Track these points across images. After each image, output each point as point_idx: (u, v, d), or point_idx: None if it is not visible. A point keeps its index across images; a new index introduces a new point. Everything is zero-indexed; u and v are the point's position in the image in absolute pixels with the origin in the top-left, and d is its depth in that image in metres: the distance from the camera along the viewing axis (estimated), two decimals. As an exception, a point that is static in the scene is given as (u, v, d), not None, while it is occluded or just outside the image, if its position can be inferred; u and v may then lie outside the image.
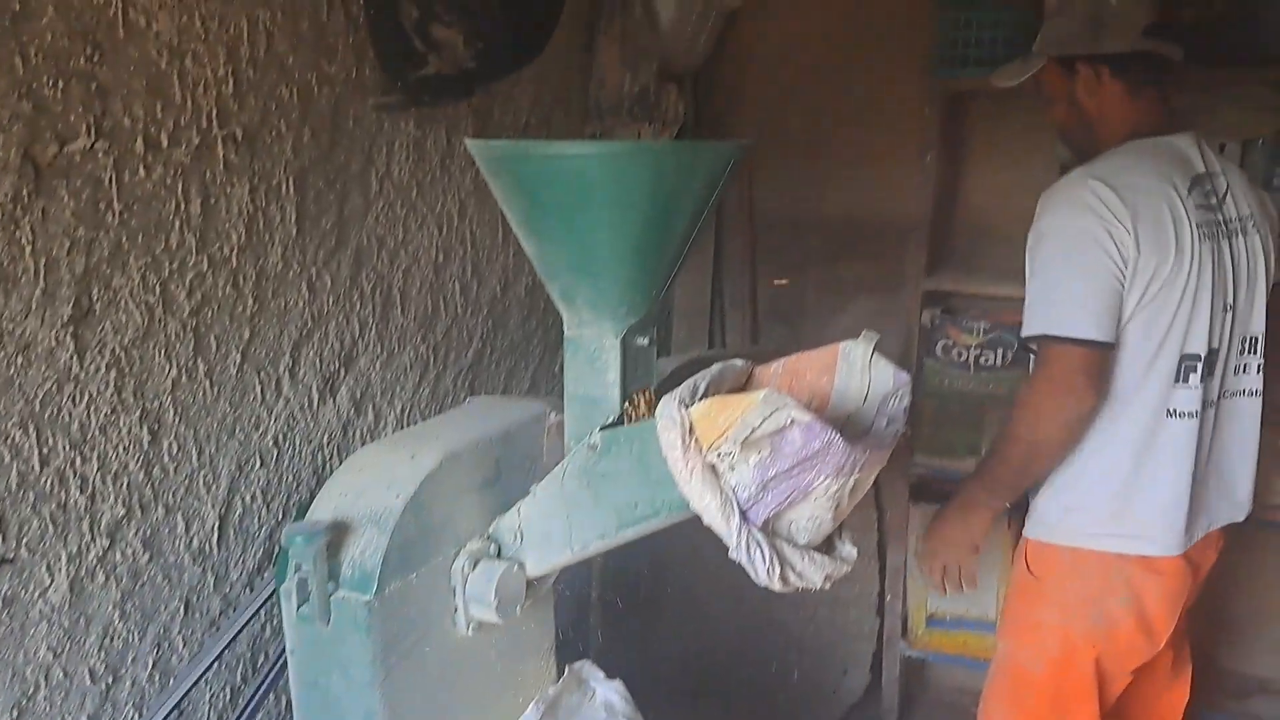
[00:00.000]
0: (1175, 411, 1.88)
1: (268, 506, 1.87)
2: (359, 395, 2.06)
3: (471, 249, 2.35)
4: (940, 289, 2.92)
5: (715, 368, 1.58)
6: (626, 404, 1.59)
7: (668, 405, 1.42)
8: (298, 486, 1.93)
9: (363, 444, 2.03)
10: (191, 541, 1.74)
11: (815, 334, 3.24)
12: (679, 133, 2.91)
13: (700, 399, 1.45)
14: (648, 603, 2.98)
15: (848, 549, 1.56)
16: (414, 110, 2.05)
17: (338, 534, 1.49)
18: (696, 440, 1.40)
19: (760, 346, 3.29)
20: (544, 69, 2.53)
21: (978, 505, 2.04)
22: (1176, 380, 1.87)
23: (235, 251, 1.75)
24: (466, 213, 2.29)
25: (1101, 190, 1.81)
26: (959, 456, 2.89)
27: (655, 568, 2.93)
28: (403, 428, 2.15)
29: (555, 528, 1.59)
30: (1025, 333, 1.89)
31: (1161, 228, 1.81)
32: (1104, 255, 1.80)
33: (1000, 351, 2.81)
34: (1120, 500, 1.91)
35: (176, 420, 1.68)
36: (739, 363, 1.66)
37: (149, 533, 1.66)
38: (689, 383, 1.48)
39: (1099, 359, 1.83)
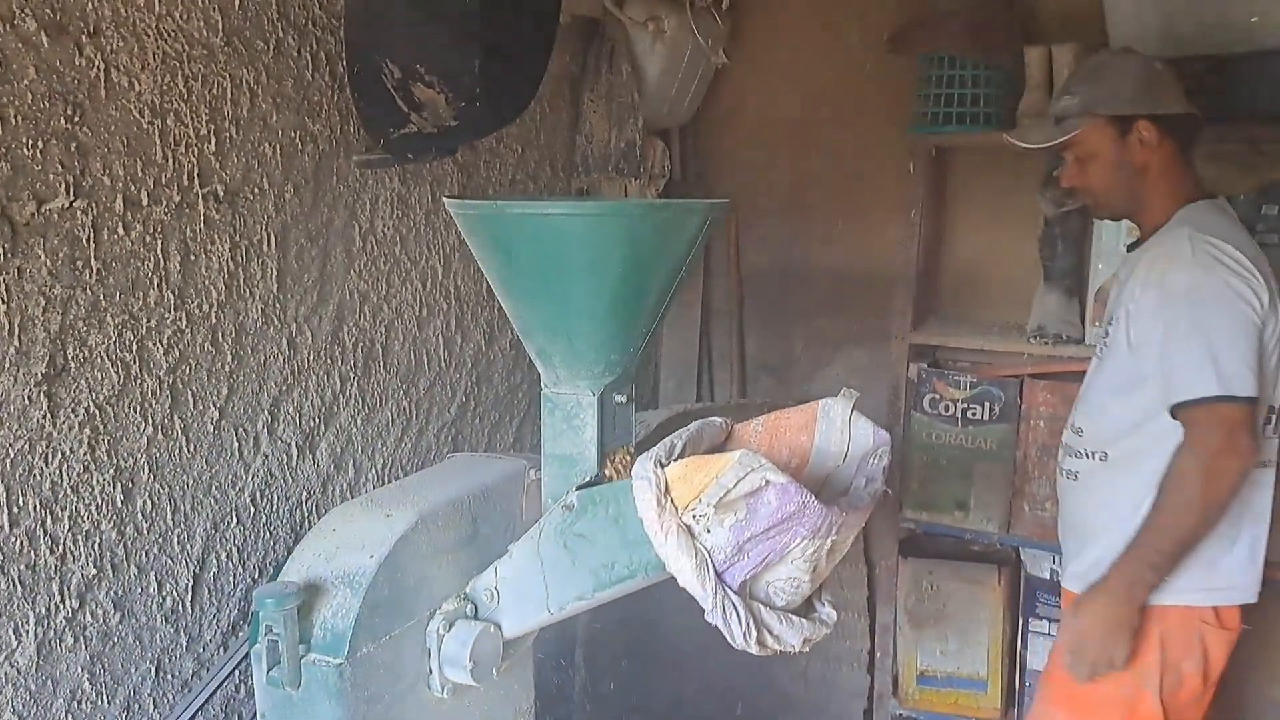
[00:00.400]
0: (1266, 461, 1.93)
1: (243, 565, 1.85)
2: (339, 451, 2.04)
3: (456, 303, 2.35)
4: (927, 343, 2.92)
5: (694, 425, 1.57)
6: (605, 462, 1.58)
7: (643, 465, 1.41)
8: (275, 544, 1.91)
9: (343, 500, 2.01)
10: (164, 601, 1.72)
11: (803, 387, 3.24)
12: (665, 187, 2.93)
13: (677, 458, 1.45)
14: (634, 660, 2.95)
15: (827, 611, 1.55)
16: (398, 167, 2.06)
17: (309, 596, 1.47)
18: (672, 501, 1.39)
19: (748, 400, 3.28)
20: (530, 126, 2.56)
21: (1143, 586, 1.88)
22: (1264, 431, 1.90)
23: (215, 308, 1.74)
24: (451, 267, 2.30)
25: (1226, 247, 1.83)
26: (947, 511, 2.87)
27: (642, 623, 2.89)
28: (384, 484, 2.13)
29: (532, 588, 1.57)
30: (1187, 396, 1.82)
31: (1270, 282, 1.85)
32: (1249, 310, 1.81)
33: (987, 405, 2.81)
34: (1217, 550, 1.90)
35: (151, 478, 1.67)
36: (718, 420, 1.65)
37: (120, 593, 1.64)
38: (666, 441, 1.47)
39: (1253, 415, 1.82)
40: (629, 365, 1.58)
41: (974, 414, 2.82)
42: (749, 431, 1.68)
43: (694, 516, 1.37)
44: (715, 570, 1.37)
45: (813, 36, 3.10)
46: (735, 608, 1.36)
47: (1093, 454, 2.02)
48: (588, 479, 1.56)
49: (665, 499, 1.39)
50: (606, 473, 1.57)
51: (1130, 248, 2.08)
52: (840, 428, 1.64)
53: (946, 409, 2.86)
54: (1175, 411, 1.84)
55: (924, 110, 2.74)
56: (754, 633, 1.38)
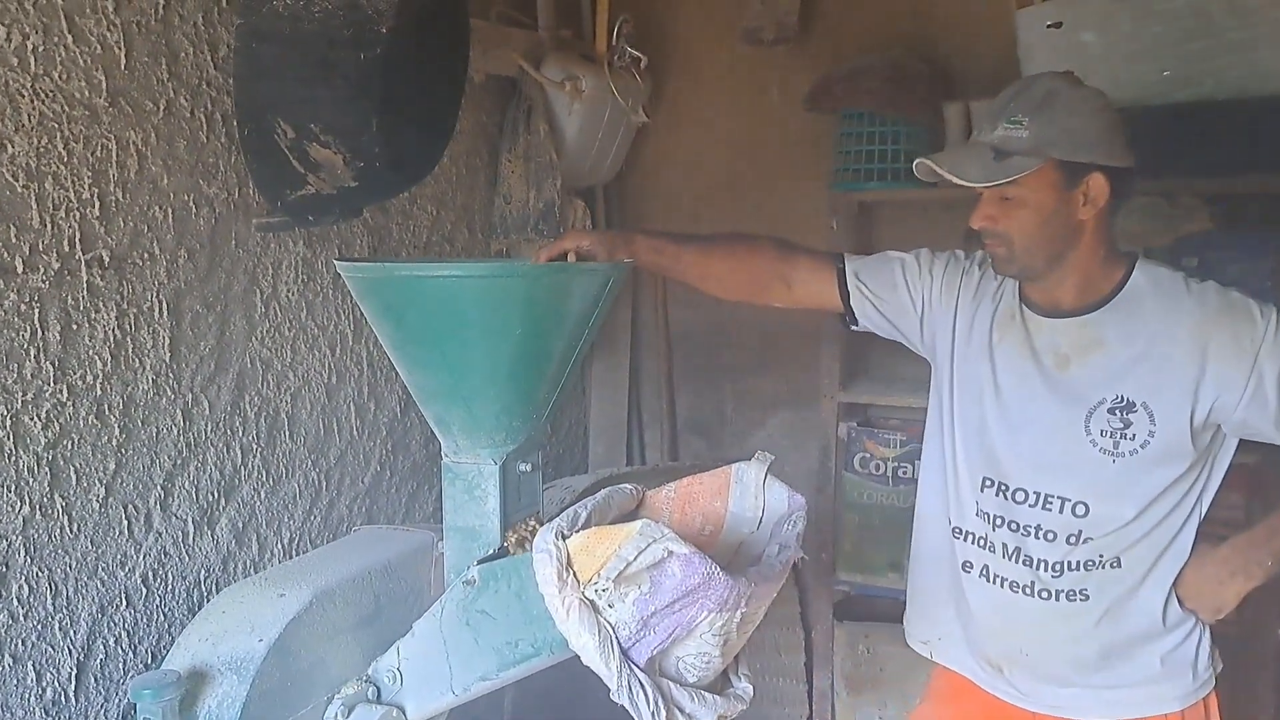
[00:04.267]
0: None
1: (134, 650, 1.75)
2: (241, 526, 1.95)
3: (368, 369, 2.27)
4: (857, 401, 2.89)
5: (601, 494, 1.52)
6: (509, 534, 1.51)
7: (544, 537, 1.35)
8: (170, 627, 1.80)
9: (246, 577, 1.92)
10: (44, 693, 1.61)
11: (735, 448, 3.19)
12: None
13: (581, 528, 1.39)
14: (565, 734, 2.85)
15: (743, 686, 1.49)
16: (301, 230, 2.00)
17: (194, 684, 1.39)
18: (575, 574, 1.33)
19: (679, 462, 3.23)
20: (445, 186, 2.50)
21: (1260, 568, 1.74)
22: None
23: (100, 379, 1.66)
24: (362, 332, 2.22)
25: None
26: (881, 573, 2.82)
27: (570, 695, 2.80)
28: (292, 558, 2.04)
29: (436, 668, 1.50)
30: None
31: None
32: None
33: (918, 464, 2.76)
34: None
35: (27, 561, 1.57)
36: (628, 488, 1.60)
37: (-6, 685, 1.53)
38: (569, 512, 1.41)
39: None
40: (533, 432, 1.52)
41: (905, 473, 2.79)
42: (661, 498, 1.63)
43: (596, 591, 1.31)
44: (620, 647, 1.31)
45: (734, 94, 3.10)
46: (642, 686, 1.30)
47: (1104, 563, 1.75)
48: (490, 552, 1.49)
49: (567, 573, 1.33)
50: (509, 545, 1.50)
51: (1039, 311, 1.79)
52: (755, 492, 1.60)
53: (877, 468, 2.82)
54: None
55: (845, 166, 2.73)
56: (663, 712, 1.32)
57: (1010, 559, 1.78)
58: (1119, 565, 1.73)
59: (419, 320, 1.37)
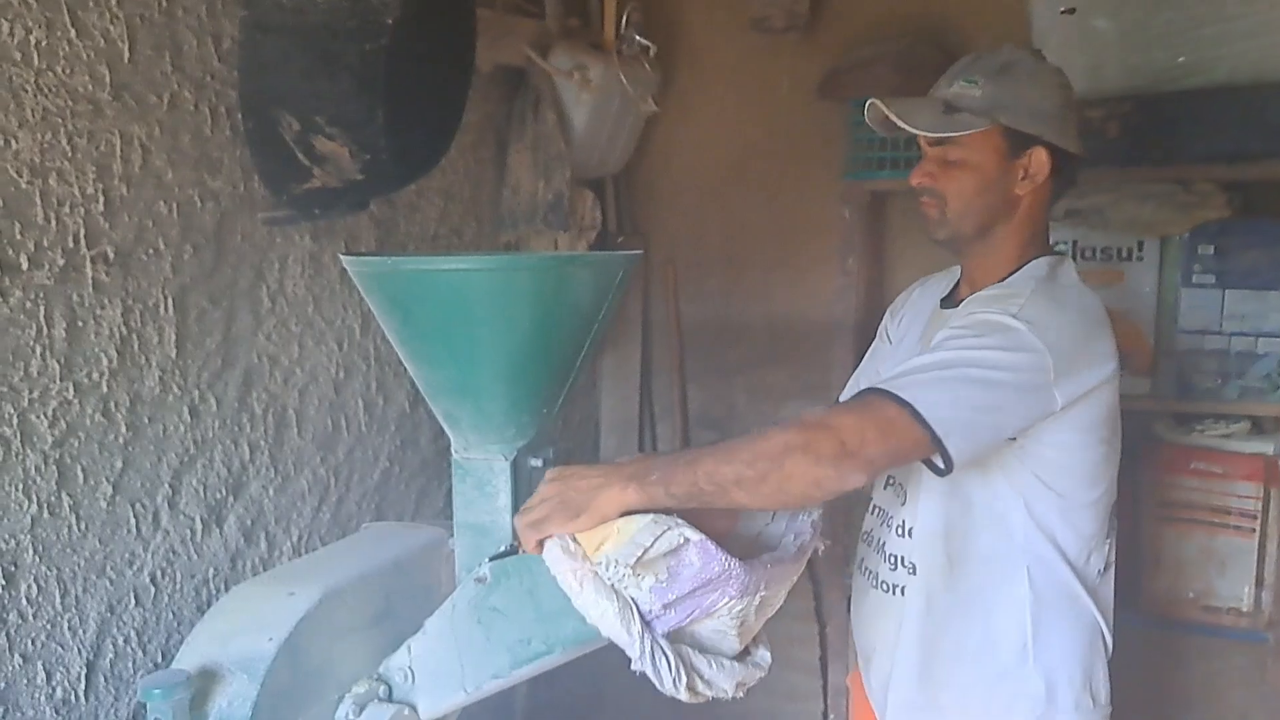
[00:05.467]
0: None
1: (144, 649, 1.74)
2: (249, 524, 1.93)
3: (376, 364, 2.25)
4: (869, 393, 2.86)
5: None
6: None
7: None
8: (179, 626, 1.79)
9: (255, 576, 1.91)
10: (54, 692, 1.60)
11: (747, 440, 3.17)
12: (597, 239, 2.87)
13: None
14: (578, 729, 2.84)
15: (761, 654, 1.47)
16: (307, 223, 1.98)
17: (204, 683, 1.37)
18: (581, 548, 1.32)
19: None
20: (453, 178, 2.48)
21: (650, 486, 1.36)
22: None
23: (106, 377, 1.64)
24: (370, 327, 2.21)
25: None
26: (895, 564, 2.79)
27: (588, 695, 2.79)
28: (301, 556, 2.02)
29: (447, 667, 1.48)
30: None
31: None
32: None
33: (931, 455, 2.74)
34: None
35: (36, 560, 1.56)
36: None
37: (2, 685, 1.52)
38: None
39: None
40: (544, 427, 1.50)
41: (918, 464, 2.75)
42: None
43: (610, 573, 1.30)
44: (641, 615, 1.29)
45: (744, 84, 3.06)
46: (664, 651, 1.29)
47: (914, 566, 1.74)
48: (501, 549, 1.47)
49: (575, 546, 1.32)
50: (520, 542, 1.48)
51: (946, 304, 1.81)
52: (769, 484, 1.57)
53: (891, 459, 2.79)
54: None
55: (857, 156, 2.70)
56: (683, 678, 1.31)
57: (878, 552, 1.78)
58: (914, 573, 1.71)
59: (427, 315, 1.35)
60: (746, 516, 1.60)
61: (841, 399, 1.98)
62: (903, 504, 1.73)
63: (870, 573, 1.80)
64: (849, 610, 1.98)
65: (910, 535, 1.72)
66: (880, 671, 1.79)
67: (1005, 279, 1.69)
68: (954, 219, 1.69)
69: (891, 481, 1.77)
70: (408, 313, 1.36)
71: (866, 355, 2.05)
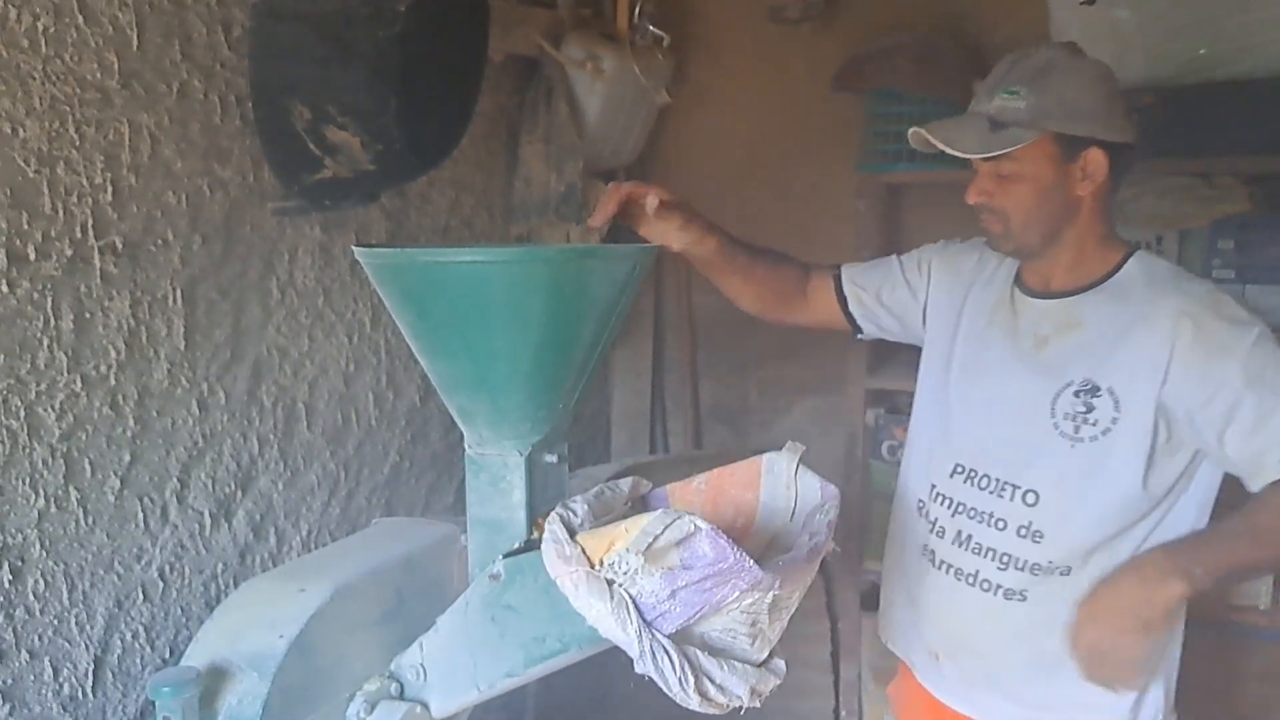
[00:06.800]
0: None
1: (152, 645, 1.72)
2: (259, 519, 1.91)
3: (386, 358, 2.23)
4: (884, 388, 2.83)
5: (593, 490, 1.48)
6: (534, 527, 1.47)
7: (548, 527, 1.34)
8: (188, 621, 1.77)
9: (264, 571, 1.89)
10: (61, 688, 1.58)
11: (759, 436, 3.14)
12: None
13: (579, 512, 1.38)
14: (588, 726, 2.82)
15: (775, 661, 1.43)
16: (317, 214, 1.95)
17: (213, 681, 1.35)
18: (581, 550, 1.30)
19: (703, 450, 3.18)
20: (464, 169, 2.46)
21: (1183, 582, 1.49)
22: None
23: (114, 369, 1.62)
24: (380, 320, 2.18)
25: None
26: (909, 562, 2.77)
27: (598, 696, 2.77)
28: (311, 551, 2.00)
29: (460, 664, 1.45)
30: None
31: None
32: None
33: (947, 451, 2.71)
34: None
35: (43, 555, 1.54)
36: (624, 485, 1.55)
37: (9, 681, 1.50)
38: (573, 499, 1.40)
39: None
40: (559, 422, 1.47)
41: (933, 460, 2.73)
42: (691, 490, 1.59)
43: (615, 569, 1.27)
44: (639, 613, 1.26)
45: (759, 75, 3.04)
46: (668, 652, 1.26)
47: (1053, 569, 1.66)
48: (515, 546, 1.45)
49: (571, 549, 1.30)
50: (536, 539, 1.45)
51: (1029, 293, 1.75)
52: (786, 483, 1.55)
53: (905, 455, 2.76)
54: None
55: (873, 148, 2.67)
56: (691, 680, 1.27)
57: (961, 546, 1.73)
58: (1067, 574, 1.65)
59: (441, 308, 1.32)
60: (764, 516, 1.58)
61: (810, 284, 2.00)
62: (1032, 505, 1.67)
63: (956, 569, 1.74)
64: (880, 607, 1.96)
65: (1039, 539, 1.66)
66: (967, 670, 1.75)
67: (1110, 276, 1.67)
68: (1018, 232, 1.66)
69: (992, 482, 1.71)
70: (422, 306, 1.33)
71: (864, 266, 1.98)
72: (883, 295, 1.92)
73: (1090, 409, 1.62)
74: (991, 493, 1.71)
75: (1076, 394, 1.64)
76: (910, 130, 1.68)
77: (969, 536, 1.72)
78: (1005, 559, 1.68)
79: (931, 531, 1.78)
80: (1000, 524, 1.69)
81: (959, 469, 1.75)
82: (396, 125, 1.64)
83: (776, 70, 3.01)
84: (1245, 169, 2.38)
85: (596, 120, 2.61)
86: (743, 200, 3.07)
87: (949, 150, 1.61)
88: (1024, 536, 1.67)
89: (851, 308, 1.96)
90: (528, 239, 2.60)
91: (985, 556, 1.70)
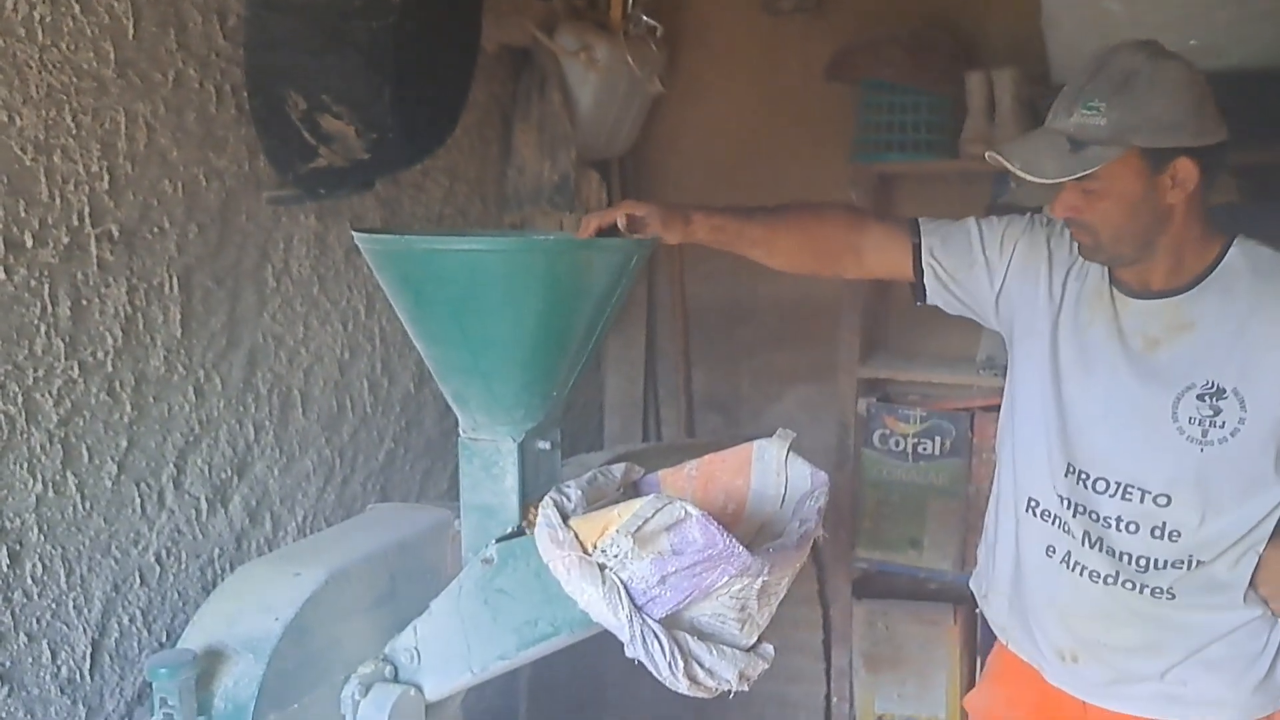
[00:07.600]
0: None
1: (149, 629, 1.73)
2: (254, 504, 1.93)
3: (381, 345, 2.24)
4: (876, 376, 2.85)
5: (586, 475, 1.50)
6: (526, 513, 1.49)
7: (542, 511, 1.36)
8: (185, 605, 1.79)
9: (260, 555, 1.90)
10: (59, 671, 1.60)
11: (751, 424, 3.16)
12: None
13: (574, 497, 1.40)
14: (583, 715, 2.84)
15: (764, 646, 1.46)
16: (312, 203, 1.96)
17: (210, 663, 1.37)
18: (574, 535, 1.32)
19: (695, 439, 3.20)
20: (458, 158, 2.47)
21: None
22: None
23: (111, 356, 1.63)
24: (375, 307, 2.20)
25: None
26: (901, 550, 2.79)
27: (592, 676, 2.79)
28: (306, 536, 2.02)
29: (453, 648, 1.48)
30: None
31: None
32: None
33: (938, 440, 2.74)
34: None
35: (41, 539, 1.55)
36: (617, 471, 1.57)
37: (8, 664, 1.52)
38: (567, 484, 1.42)
39: None
40: (552, 410, 1.50)
41: (925, 449, 2.75)
42: (682, 476, 1.61)
43: (606, 552, 1.30)
44: (630, 598, 1.29)
45: (752, 65, 3.04)
46: (657, 637, 1.28)
47: (1194, 563, 1.64)
48: (508, 531, 1.47)
49: (564, 534, 1.32)
50: (528, 524, 1.47)
51: (1129, 293, 1.69)
52: (776, 470, 1.57)
53: (897, 444, 2.79)
54: None
55: (865, 138, 2.69)
56: (680, 664, 1.30)
57: (1092, 548, 1.69)
58: (1210, 568, 1.63)
59: (439, 294, 1.34)
60: (754, 502, 1.60)
61: (867, 238, 1.85)
62: (1164, 507, 1.63)
63: (1092, 571, 1.70)
64: (982, 605, 1.92)
65: (1176, 538, 1.63)
66: (1108, 667, 1.72)
67: (1212, 270, 1.63)
68: (1109, 245, 1.61)
69: (1110, 485, 1.67)
70: (420, 292, 1.35)
71: (941, 235, 1.82)
72: (958, 275, 1.82)
73: (1217, 411, 1.59)
74: (1114, 496, 1.67)
75: (1200, 398, 1.59)
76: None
77: (1099, 540, 1.68)
78: (1143, 562, 1.66)
79: (1058, 529, 1.73)
80: (1132, 527, 1.65)
81: (1070, 469, 1.71)
82: (391, 114, 1.66)
83: (769, 60, 3.02)
84: (1234, 160, 2.38)
85: (590, 110, 2.62)
86: (735, 189, 3.07)
87: (1027, 177, 1.54)
88: (1158, 537, 1.64)
89: (926, 280, 1.84)
90: (521, 227, 2.62)
91: (1121, 559, 1.67)
